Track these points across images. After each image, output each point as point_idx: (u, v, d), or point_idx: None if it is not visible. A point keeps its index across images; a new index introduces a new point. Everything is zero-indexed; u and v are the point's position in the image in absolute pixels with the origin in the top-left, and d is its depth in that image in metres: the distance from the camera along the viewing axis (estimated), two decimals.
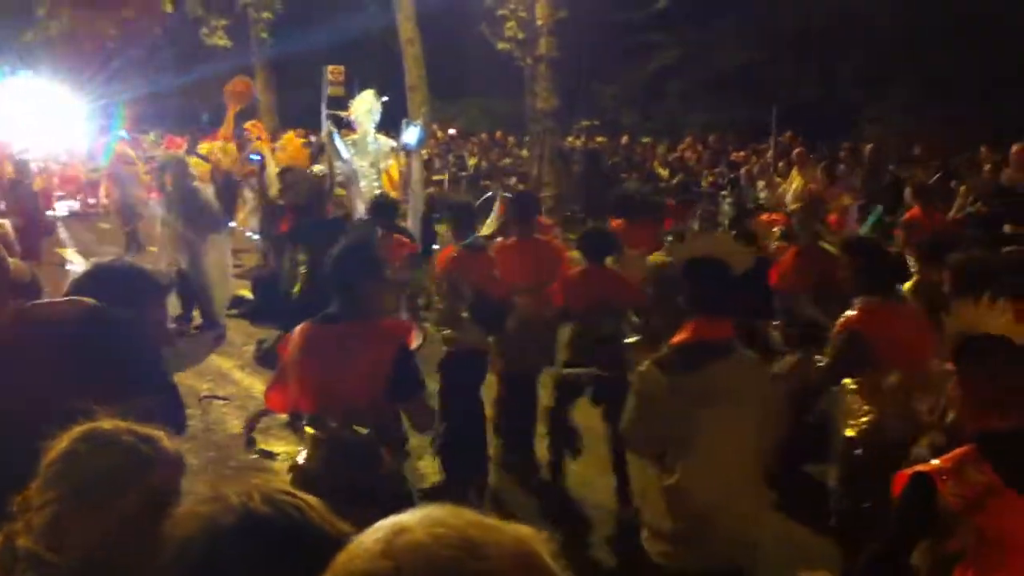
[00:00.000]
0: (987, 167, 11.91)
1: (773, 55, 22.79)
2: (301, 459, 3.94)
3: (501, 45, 17.87)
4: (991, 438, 2.87)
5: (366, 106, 10.38)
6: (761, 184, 14.10)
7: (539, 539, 1.13)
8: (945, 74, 19.09)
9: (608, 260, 6.58)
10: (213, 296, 10.40)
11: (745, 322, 5.08)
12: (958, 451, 2.90)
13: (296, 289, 8.04)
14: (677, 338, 3.89)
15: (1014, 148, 11.76)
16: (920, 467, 2.91)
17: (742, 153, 17.45)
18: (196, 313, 10.54)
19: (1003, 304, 2.97)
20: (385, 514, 1.17)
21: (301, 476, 3.85)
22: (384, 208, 8.06)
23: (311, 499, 1.65)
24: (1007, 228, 8.88)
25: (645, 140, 20.18)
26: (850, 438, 4.87)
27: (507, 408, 6.85)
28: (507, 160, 19.97)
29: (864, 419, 4.84)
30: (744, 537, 3.88)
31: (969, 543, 2.83)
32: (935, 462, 2.90)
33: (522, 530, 1.12)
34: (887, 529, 2.98)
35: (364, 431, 3.86)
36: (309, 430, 3.95)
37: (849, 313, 4.96)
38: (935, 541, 2.93)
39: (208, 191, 11.80)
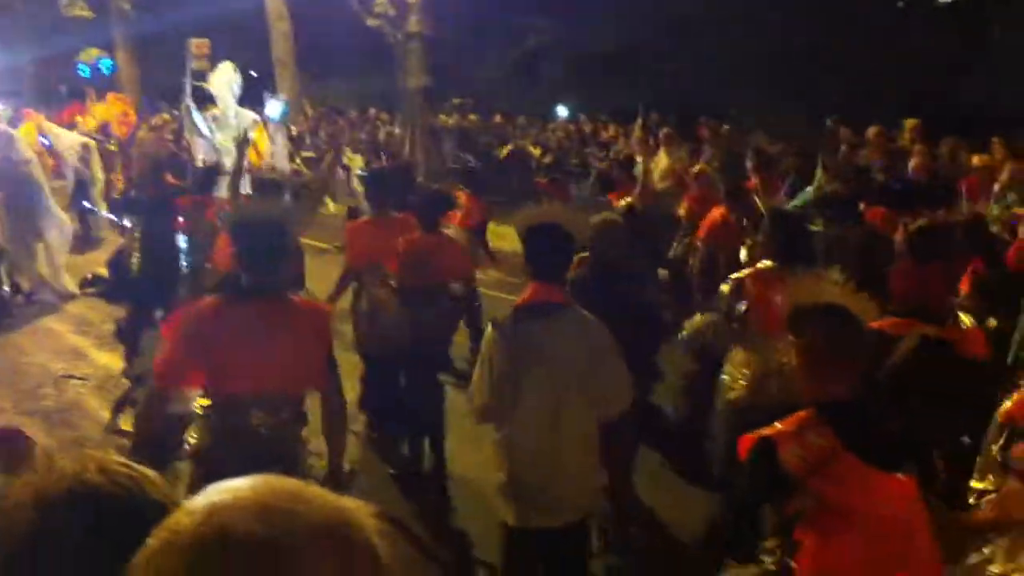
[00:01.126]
0: (844, 147, 12.32)
1: (647, 38, 23.10)
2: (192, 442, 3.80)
3: (371, 21, 17.63)
4: (830, 404, 2.97)
5: (225, 79, 10.14)
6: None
7: (364, 513, 1.08)
8: (810, 59, 19.70)
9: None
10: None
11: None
12: (799, 415, 2.98)
13: (135, 265, 7.75)
14: (519, 299, 4.06)
15: (871, 130, 12.21)
16: (763, 431, 2.99)
17: (613, 134, 17.66)
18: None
19: (837, 276, 3.10)
20: None
21: (203, 464, 3.72)
22: (267, 185, 8.02)
23: (151, 473, 1.60)
24: (861, 207, 9.21)
25: (519, 120, 20.23)
26: (731, 400, 5.04)
27: (367, 387, 6.81)
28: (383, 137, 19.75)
29: (744, 381, 5.02)
30: (577, 490, 4.01)
31: (809, 505, 2.91)
32: (778, 426, 2.98)
33: (344, 504, 1.07)
34: (733, 492, 3.06)
35: (275, 419, 3.77)
36: (199, 411, 3.81)
37: (742, 273, 5.20)
38: (779, 503, 3.00)
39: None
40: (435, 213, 6.47)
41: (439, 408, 6.31)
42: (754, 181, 9.58)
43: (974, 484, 3.65)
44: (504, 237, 11.07)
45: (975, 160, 10.62)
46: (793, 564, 2.96)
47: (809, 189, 9.70)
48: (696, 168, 10.71)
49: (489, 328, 4.07)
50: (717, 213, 8.04)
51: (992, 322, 4.67)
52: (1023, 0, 18.22)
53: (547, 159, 16.14)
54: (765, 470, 2.93)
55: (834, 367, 3.00)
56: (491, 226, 10.83)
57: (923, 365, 4.26)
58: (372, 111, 21.37)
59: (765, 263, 5.17)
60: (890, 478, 2.92)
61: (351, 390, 6.16)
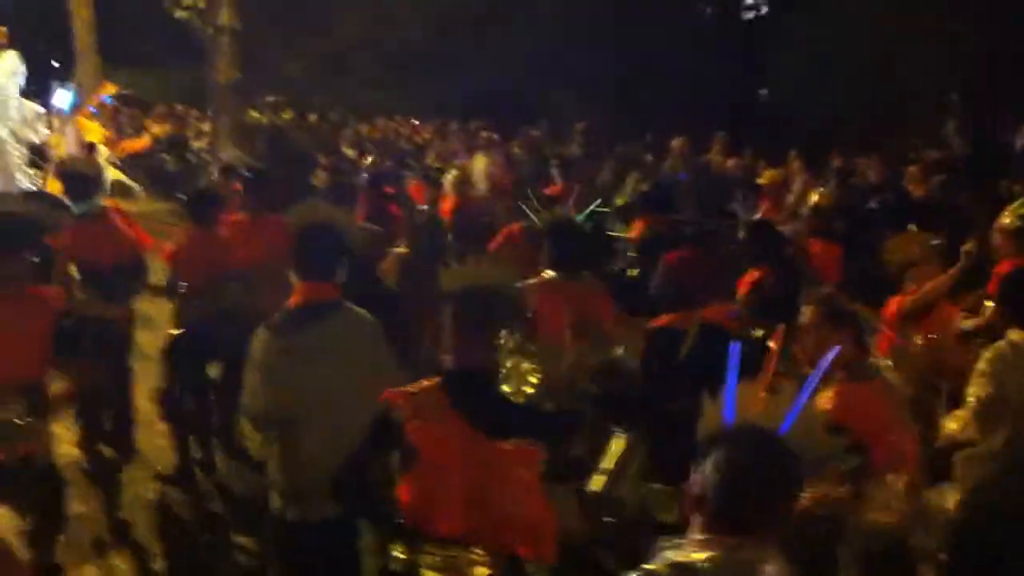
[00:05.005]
0: (649, 157, 12.64)
1: (457, 36, 23.08)
2: None
3: (179, 13, 16.95)
4: (455, 371, 3.33)
5: (10, 68, 9.55)
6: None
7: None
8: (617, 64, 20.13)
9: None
10: None
11: None
12: (432, 380, 3.32)
13: None
14: (289, 301, 4.10)
15: (675, 141, 12.58)
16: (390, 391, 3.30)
17: (428, 135, 17.59)
18: None
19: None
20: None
21: None
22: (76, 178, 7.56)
23: None
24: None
25: (333, 118, 19.89)
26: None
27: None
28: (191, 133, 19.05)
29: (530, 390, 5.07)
30: None
31: (417, 456, 3.20)
32: (410, 387, 3.31)
33: None
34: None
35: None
36: None
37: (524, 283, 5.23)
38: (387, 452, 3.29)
39: None
40: (205, 209, 6.51)
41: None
42: (557, 188, 9.71)
43: None
44: None
45: (769, 173, 11.08)
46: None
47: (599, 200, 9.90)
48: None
49: (260, 330, 4.04)
50: (516, 226, 8.06)
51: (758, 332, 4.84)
52: (826, 13, 19.07)
53: (369, 160, 15.84)
54: (384, 425, 3.26)
55: (465, 338, 3.34)
56: None
57: (708, 350, 4.40)
58: (179, 106, 20.61)
59: (548, 273, 5.30)
60: (493, 445, 3.20)
61: None
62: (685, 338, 4.62)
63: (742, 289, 5.82)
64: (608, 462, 4.82)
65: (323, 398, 3.91)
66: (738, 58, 21.26)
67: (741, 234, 7.33)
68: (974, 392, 4.60)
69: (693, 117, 16.22)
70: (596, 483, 4.79)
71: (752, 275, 5.83)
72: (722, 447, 2.37)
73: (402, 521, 3.25)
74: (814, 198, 8.53)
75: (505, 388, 5.07)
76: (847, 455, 3.70)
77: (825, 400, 4.07)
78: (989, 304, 5.61)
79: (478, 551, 3.19)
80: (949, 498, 4.50)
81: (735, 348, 2.46)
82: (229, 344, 5.62)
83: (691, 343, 4.61)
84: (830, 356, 2.92)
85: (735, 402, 2.39)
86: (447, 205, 9.87)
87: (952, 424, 4.72)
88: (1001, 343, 4.65)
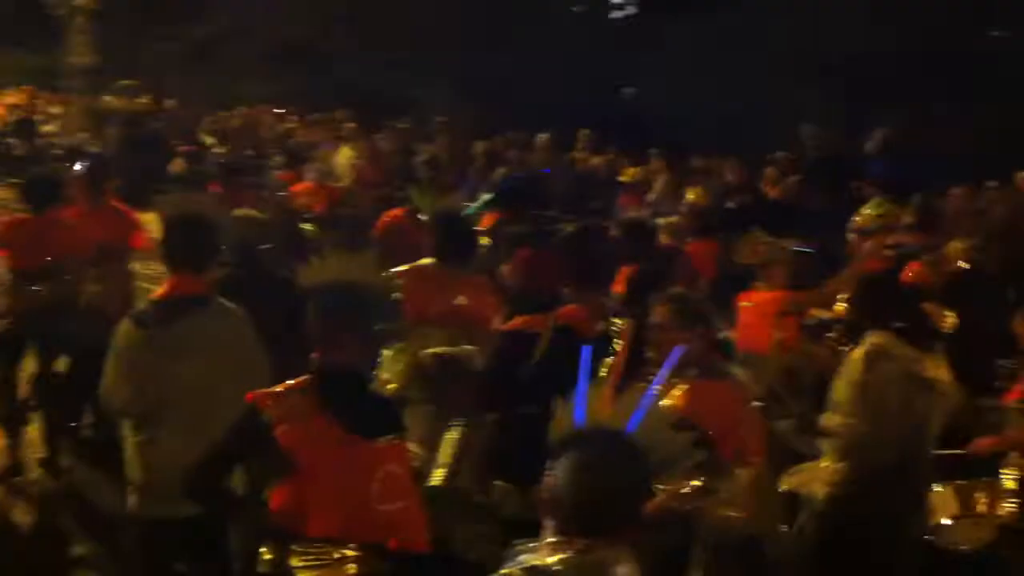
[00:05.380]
0: (515, 152, 12.70)
1: (330, 29, 22.77)
2: None
3: None
4: (325, 369, 3.26)
5: None
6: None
7: None
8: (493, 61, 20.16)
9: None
10: None
11: None
12: (301, 379, 3.27)
13: None
14: (155, 293, 4.05)
15: (540, 138, 12.68)
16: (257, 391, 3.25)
17: (292, 125, 17.29)
18: None
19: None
20: None
21: None
22: None
23: None
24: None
25: (193, 106, 19.36)
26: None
27: None
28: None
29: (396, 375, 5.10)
30: None
31: (288, 459, 3.14)
32: (277, 388, 3.26)
33: None
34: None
35: None
36: None
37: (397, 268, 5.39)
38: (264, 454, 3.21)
39: None
40: (41, 194, 6.37)
41: None
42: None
43: None
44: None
45: (631, 171, 11.26)
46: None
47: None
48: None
49: (126, 322, 3.97)
50: (394, 212, 8.07)
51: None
52: (695, 16, 19.48)
53: (222, 149, 15.45)
54: (249, 426, 3.20)
55: (331, 336, 3.26)
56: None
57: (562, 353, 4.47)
58: (30, 88, 19.76)
59: (425, 260, 5.32)
60: (365, 443, 3.17)
61: None
62: (539, 340, 4.66)
63: (616, 287, 5.90)
64: (445, 455, 4.84)
65: (187, 394, 3.83)
66: (605, 57, 21.54)
67: (614, 232, 7.42)
68: (844, 395, 4.76)
69: (561, 114, 16.37)
70: (436, 477, 4.80)
71: (625, 273, 5.92)
72: (572, 450, 2.38)
73: (272, 523, 3.21)
74: (690, 197, 8.71)
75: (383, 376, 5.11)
76: (694, 450, 3.82)
77: (676, 397, 4.14)
78: (841, 301, 5.82)
79: (349, 548, 3.16)
80: (817, 490, 4.68)
81: (586, 351, 2.48)
82: (68, 336, 5.43)
83: (545, 346, 4.66)
84: (675, 355, 2.97)
85: (585, 404, 2.41)
86: (309, 195, 9.76)
87: (829, 422, 4.85)
88: (866, 346, 4.80)
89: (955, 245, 7.05)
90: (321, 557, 3.15)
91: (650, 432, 2.42)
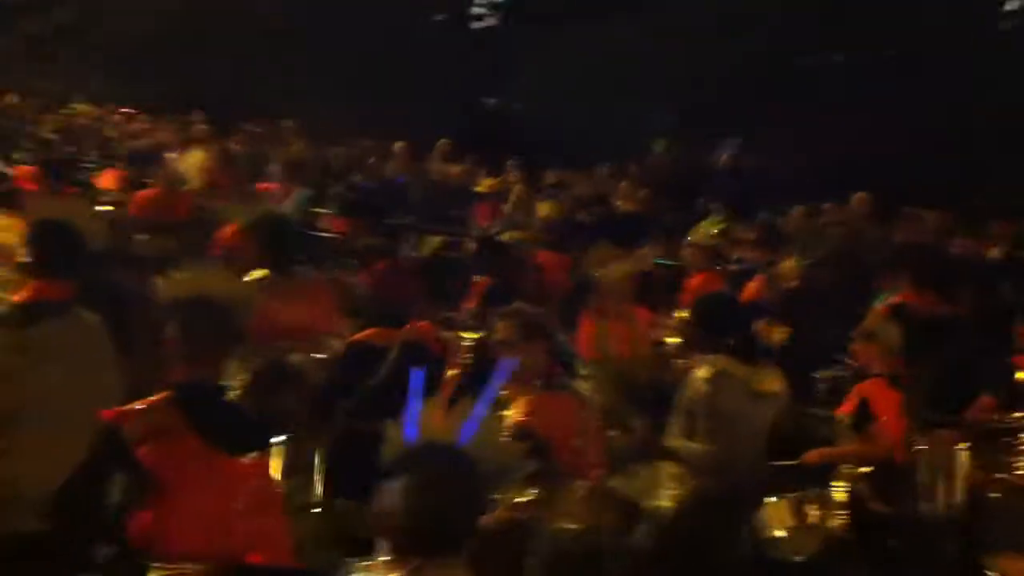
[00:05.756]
0: (372, 159, 12.62)
1: (183, 29, 22.17)
2: None
3: None
4: (185, 386, 3.20)
5: None
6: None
7: None
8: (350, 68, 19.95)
9: None
10: None
11: None
12: (159, 395, 3.20)
13: None
14: (18, 296, 3.92)
15: (397, 145, 12.63)
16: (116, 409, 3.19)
17: (141, 126, 16.75)
18: None
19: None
20: None
21: None
22: None
23: None
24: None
25: (34, 102, 18.56)
26: None
27: None
28: None
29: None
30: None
31: (151, 479, 3.08)
32: (136, 405, 3.20)
33: None
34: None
35: None
36: None
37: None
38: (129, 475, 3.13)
39: None
40: None
41: None
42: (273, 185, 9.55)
43: None
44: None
45: (488, 182, 11.31)
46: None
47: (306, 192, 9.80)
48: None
49: None
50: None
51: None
52: (554, 29, 19.68)
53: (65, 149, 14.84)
54: (107, 444, 3.12)
55: (192, 352, 3.22)
56: None
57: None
58: None
59: (259, 271, 5.21)
60: (229, 460, 3.15)
61: None
62: (385, 354, 4.63)
63: (468, 302, 5.89)
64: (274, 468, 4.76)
65: (43, 402, 3.72)
66: (466, 67, 21.59)
67: (468, 245, 7.42)
68: (691, 417, 4.86)
69: (420, 123, 16.33)
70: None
71: (479, 286, 5.91)
72: (403, 469, 2.36)
73: (129, 543, 3.13)
74: (543, 210, 8.76)
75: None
76: (530, 461, 3.88)
77: (516, 409, 4.19)
78: (681, 316, 5.95)
79: (209, 565, 3.09)
80: (661, 503, 4.75)
81: (419, 372, 2.47)
82: None
83: (392, 360, 4.63)
84: (506, 368, 2.99)
85: (417, 422, 2.40)
86: (155, 201, 9.43)
87: (676, 443, 4.93)
88: (711, 370, 4.90)
89: (789, 263, 7.31)
90: (177, 574, 3.08)
91: (483, 444, 2.41)
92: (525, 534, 4.04)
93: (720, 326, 5.10)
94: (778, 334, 5.46)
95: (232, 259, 7.36)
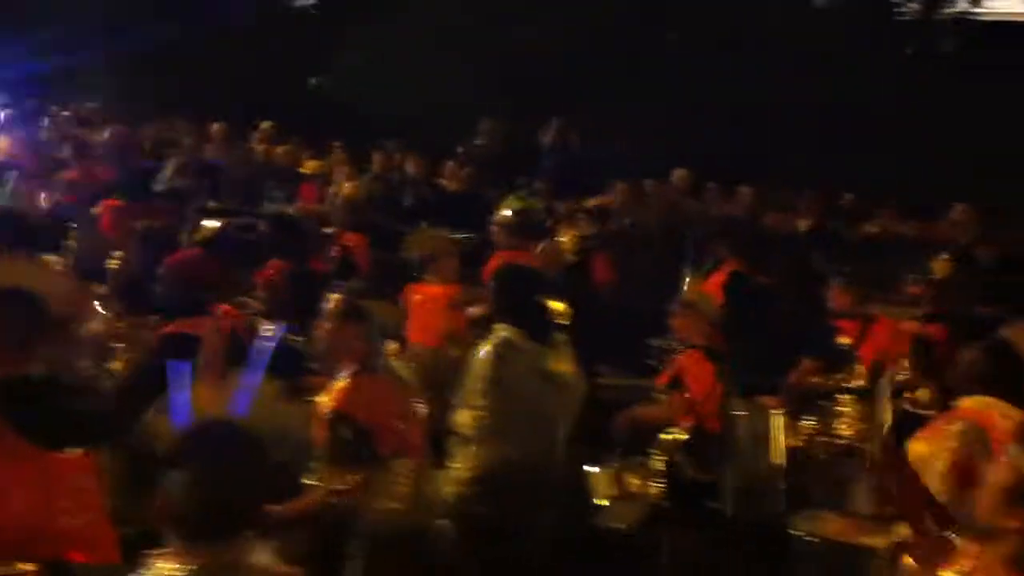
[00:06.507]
0: (188, 141, 12.20)
1: None
2: None
3: None
4: (3, 381, 3.08)
5: None
6: None
7: None
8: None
9: None
10: None
11: None
12: None
13: None
14: None
15: (215, 127, 12.23)
16: None
17: None
18: None
19: None
20: None
21: None
22: None
23: None
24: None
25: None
26: None
27: None
28: None
29: None
30: None
31: None
32: None
33: None
34: None
35: None
36: None
37: None
38: None
39: None
40: None
41: None
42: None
43: None
44: None
45: (312, 163, 11.10)
46: None
47: None
48: None
49: None
50: None
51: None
52: (382, 9, 19.41)
53: None
54: None
55: (14, 346, 3.14)
56: None
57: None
58: None
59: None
60: (52, 457, 3.03)
61: None
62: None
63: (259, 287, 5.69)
64: None
65: None
66: (290, 46, 21.12)
67: (262, 226, 7.21)
68: (473, 390, 4.86)
69: (243, 104, 15.89)
70: None
71: (269, 271, 5.72)
72: (181, 453, 2.29)
73: None
74: (344, 190, 8.61)
75: None
76: (353, 445, 3.84)
77: (335, 393, 4.16)
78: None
79: (28, 564, 2.97)
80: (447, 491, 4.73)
81: (178, 364, 2.39)
82: None
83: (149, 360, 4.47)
84: (269, 341, 3.01)
85: (186, 408, 2.32)
86: None
87: (459, 419, 4.92)
88: (494, 340, 4.92)
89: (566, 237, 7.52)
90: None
91: (261, 412, 2.39)
92: (347, 514, 4.01)
93: (509, 299, 5.13)
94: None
95: None
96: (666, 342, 6.10)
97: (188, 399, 2.34)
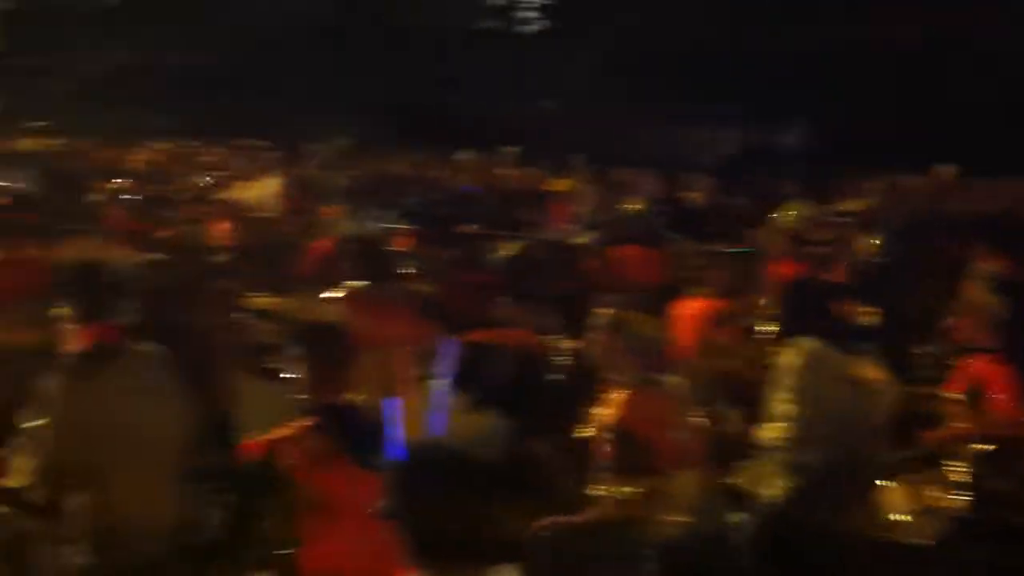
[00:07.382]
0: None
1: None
2: None
3: None
4: (327, 410, 3.31)
5: None
6: None
7: None
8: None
9: None
10: None
11: None
12: (300, 423, 3.29)
13: None
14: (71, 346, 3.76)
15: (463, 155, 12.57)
16: (263, 437, 3.29)
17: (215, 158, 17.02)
18: None
19: None
20: None
21: None
22: None
23: None
24: None
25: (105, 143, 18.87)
26: None
27: None
28: None
29: None
30: None
31: (303, 506, 3.18)
32: (281, 431, 3.30)
33: None
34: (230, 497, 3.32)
35: None
36: None
37: None
38: (282, 504, 3.20)
39: None
40: None
41: None
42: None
43: None
44: None
45: (558, 183, 11.21)
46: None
47: None
48: None
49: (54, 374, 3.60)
50: None
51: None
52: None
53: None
54: (261, 474, 3.20)
55: (329, 378, 3.36)
56: None
57: None
58: None
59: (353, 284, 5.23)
60: (374, 477, 3.31)
61: None
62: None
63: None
64: None
65: (123, 441, 3.56)
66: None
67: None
68: (782, 404, 4.69)
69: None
70: None
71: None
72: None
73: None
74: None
75: None
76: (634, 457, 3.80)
77: (614, 406, 4.17)
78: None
79: None
80: (763, 491, 4.59)
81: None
82: None
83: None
84: (447, 352, 3.12)
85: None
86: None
87: (768, 433, 4.77)
88: (798, 353, 4.74)
89: None
90: None
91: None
92: (635, 528, 3.95)
93: (806, 311, 4.96)
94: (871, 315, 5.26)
95: (325, 276, 7.36)
96: (938, 348, 5.75)
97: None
